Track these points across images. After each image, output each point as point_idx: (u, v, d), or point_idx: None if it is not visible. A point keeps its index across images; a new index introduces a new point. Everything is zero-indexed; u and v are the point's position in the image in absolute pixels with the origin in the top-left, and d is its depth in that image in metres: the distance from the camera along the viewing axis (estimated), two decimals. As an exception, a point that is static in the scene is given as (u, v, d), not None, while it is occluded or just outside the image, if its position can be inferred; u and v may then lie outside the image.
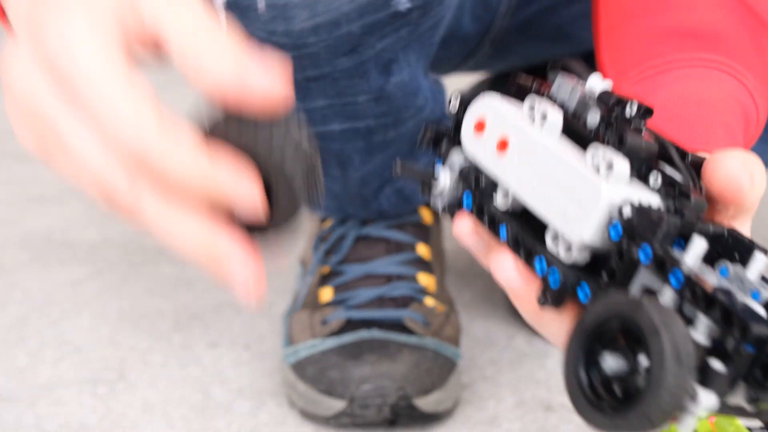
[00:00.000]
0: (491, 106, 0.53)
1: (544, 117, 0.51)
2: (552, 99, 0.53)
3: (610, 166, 0.48)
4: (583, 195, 0.49)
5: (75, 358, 0.99)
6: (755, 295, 0.48)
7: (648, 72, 0.70)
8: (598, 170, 0.49)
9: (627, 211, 0.48)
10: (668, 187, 0.50)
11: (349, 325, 0.90)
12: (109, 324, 1.05)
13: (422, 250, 0.97)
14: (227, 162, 0.47)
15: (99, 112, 0.46)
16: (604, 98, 0.51)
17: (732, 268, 0.49)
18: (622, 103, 0.51)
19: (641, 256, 0.47)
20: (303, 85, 0.80)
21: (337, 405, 0.86)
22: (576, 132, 0.52)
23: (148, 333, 1.03)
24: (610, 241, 0.48)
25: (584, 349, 0.46)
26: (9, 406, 0.91)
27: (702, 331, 0.45)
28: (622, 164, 0.48)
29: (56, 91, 0.48)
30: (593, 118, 0.51)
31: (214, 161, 0.47)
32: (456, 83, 1.15)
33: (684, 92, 0.67)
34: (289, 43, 0.74)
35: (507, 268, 0.52)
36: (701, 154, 0.55)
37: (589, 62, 1.10)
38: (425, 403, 0.86)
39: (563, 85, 0.53)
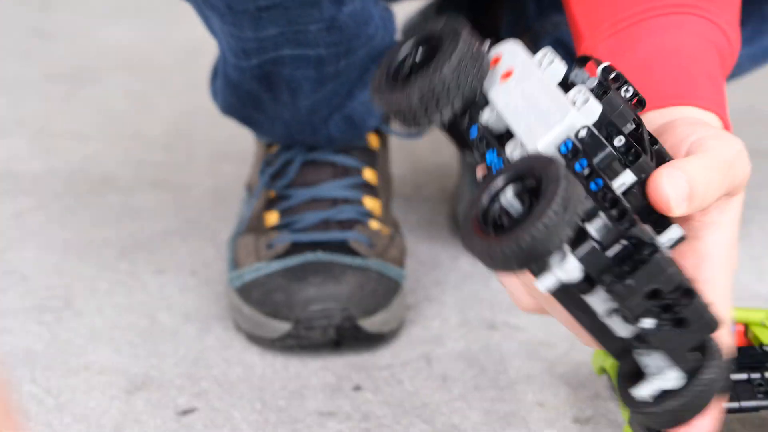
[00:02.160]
0: (511, 51, 0.60)
1: (551, 63, 0.58)
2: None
3: (585, 102, 0.55)
4: (552, 115, 0.55)
5: (20, 287, 0.99)
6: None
7: (621, 24, 0.71)
8: (574, 103, 0.55)
9: (583, 133, 0.54)
10: (627, 151, 0.56)
11: (295, 249, 0.91)
12: (55, 253, 1.05)
13: (368, 174, 0.97)
14: None
15: None
16: (607, 71, 0.59)
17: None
18: (621, 80, 0.59)
19: (577, 166, 0.54)
20: (255, 15, 0.81)
21: (282, 327, 0.87)
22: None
23: (93, 261, 1.04)
24: (558, 154, 0.54)
25: (496, 187, 0.52)
26: (-46, 334, 0.91)
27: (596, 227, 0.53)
28: (594, 105, 0.55)
29: None
30: (591, 82, 0.58)
31: None
32: (403, 9, 1.15)
33: (662, 45, 0.69)
34: None
35: None
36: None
37: None
38: (370, 323, 0.87)
39: (581, 71, 0.60)
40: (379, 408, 0.82)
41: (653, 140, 0.59)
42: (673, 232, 0.57)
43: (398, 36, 0.63)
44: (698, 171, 0.58)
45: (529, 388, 0.83)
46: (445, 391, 0.84)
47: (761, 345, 0.79)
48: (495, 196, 0.52)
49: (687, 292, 0.54)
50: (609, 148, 0.54)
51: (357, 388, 0.85)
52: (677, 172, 0.57)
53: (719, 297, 0.59)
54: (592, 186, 0.53)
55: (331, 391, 0.84)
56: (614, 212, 0.53)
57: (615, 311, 0.55)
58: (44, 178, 1.21)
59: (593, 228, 0.52)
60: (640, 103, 0.59)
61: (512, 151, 0.56)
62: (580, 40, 0.74)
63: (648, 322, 0.54)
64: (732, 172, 0.60)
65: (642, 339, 0.55)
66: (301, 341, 0.87)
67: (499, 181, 0.52)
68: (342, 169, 0.96)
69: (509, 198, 0.52)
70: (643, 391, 0.57)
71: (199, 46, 1.26)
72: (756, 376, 0.75)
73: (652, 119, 0.64)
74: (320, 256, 0.89)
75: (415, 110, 0.57)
